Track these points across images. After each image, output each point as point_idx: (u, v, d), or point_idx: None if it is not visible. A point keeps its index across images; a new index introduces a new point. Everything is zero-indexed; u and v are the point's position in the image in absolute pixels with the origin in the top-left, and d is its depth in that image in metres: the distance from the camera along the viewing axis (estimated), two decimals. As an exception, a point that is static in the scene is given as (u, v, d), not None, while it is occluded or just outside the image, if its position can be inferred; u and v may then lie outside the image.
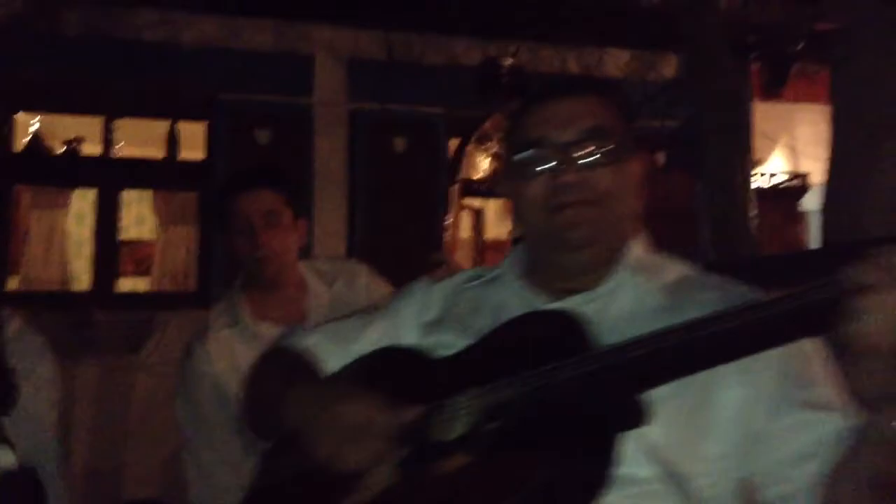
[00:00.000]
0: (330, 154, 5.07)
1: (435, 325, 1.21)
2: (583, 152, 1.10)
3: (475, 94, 4.68)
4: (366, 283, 2.26)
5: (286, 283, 2.16)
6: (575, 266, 1.13)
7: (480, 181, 5.71)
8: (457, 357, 1.13)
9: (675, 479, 0.97)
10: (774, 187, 6.05)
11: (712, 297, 1.05)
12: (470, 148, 5.01)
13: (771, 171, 6.26)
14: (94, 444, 4.39)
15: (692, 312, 0.94)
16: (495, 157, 5.39)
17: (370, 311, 1.31)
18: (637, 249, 1.16)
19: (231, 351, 2.09)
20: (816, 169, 6.18)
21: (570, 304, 1.10)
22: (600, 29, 4.97)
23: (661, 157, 5.44)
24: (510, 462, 0.94)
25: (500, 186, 1.24)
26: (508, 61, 4.71)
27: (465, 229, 6.71)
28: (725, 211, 3.20)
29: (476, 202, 6.64)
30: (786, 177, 6.18)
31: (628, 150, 1.12)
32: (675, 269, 1.15)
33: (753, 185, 6.34)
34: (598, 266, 1.12)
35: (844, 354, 0.82)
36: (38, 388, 1.60)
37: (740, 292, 1.04)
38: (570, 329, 1.02)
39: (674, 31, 3.11)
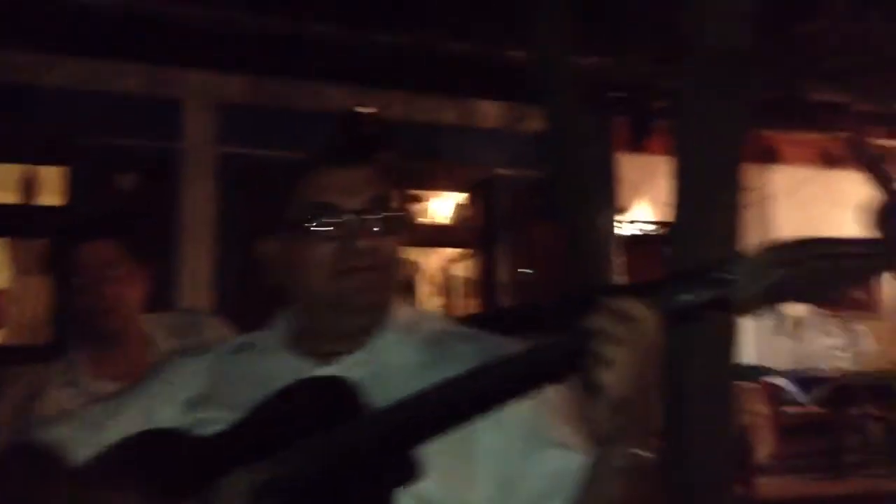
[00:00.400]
0: (198, 200, 4.95)
1: (197, 402, 1.16)
2: (373, 219, 1.13)
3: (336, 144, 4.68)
4: (216, 334, 2.18)
5: (127, 338, 2.06)
6: (353, 329, 1.14)
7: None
8: (224, 434, 1.08)
9: None
10: (639, 234, 6.30)
11: (468, 349, 1.11)
12: None
13: (636, 218, 6.52)
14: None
15: (452, 364, 1.02)
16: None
17: (123, 392, 1.25)
18: (397, 309, 1.19)
19: (63, 412, 1.97)
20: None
21: (340, 368, 1.11)
22: (473, 81, 5.09)
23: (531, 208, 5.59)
24: None
25: (266, 247, 1.19)
26: (368, 111, 4.73)
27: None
28: (583, 259, 3.29)
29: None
30: (650, 224, 6.45)
31: (406, 219, 1.18)
32: (432, 324, 1.20)
33: (620, 232, 6.65)
34: (368, 326, 1.15)
35: (586, 396, 0.89)
36: None
37: (496, 343, 1.11)
38: (342, 394, 1.04)
39: (535, 85, 3.21)
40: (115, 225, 2.07)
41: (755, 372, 6.46)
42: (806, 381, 6.66)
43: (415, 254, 7.19)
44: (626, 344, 0.86)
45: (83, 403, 1.94)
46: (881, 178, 7.06)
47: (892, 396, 6.72)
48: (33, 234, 5.07)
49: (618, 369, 0.87)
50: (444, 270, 7.37)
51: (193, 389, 1.17)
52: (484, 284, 6.01)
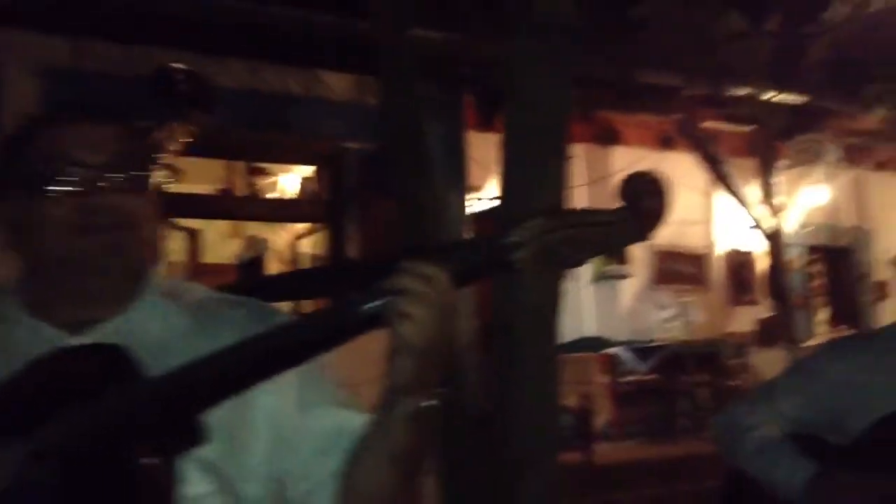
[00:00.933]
0: None
1: None
2: (113, 176, 1.07)
3: (150, 103, 4.41)
4: None
5: None
6: (99, 292, 1.08)
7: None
8: None
9: (227, 490, 1.05)
10: (489, 211, 6.38)
11: (237, 314, 1.13)
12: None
13: (489, 196, 6.60)
14: None
15: (222, 329, 1.06)
16: (168, 168, 5.10)
17: None
18: (158, 275, 1.15)
19: None
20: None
21: (96, 337, 1.06)
22: (321, 51, 4.95)
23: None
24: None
25: None
26: (183, 69, 4.49)
27: (176, 252, 6.34)
28: (426, 236, 3.27)
29: (191, 222, 6.30)
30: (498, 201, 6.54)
31: (150, 179, 1.12)
32: (197, 291, 1.19)
33: (472, 210, 6.70)
34: (122, 292, 1.10)
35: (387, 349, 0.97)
36: None
37: (265, 308, 1.15)
38: (111, 362, 0.99)
39: (378, 58, 3.14)
40: None
41: (595, 344, 6.74)
42: (641, 350, 7.01)
43: (262, 230, 6.99)
44: (424, 300, 0.94)
45: None
46: (710, 159, 7.50)
47: (718, 363, 7.20)
48: None
49: (417, 323, 0.94)
50: (293, 246, 7.21)
51: None
52: (332, 260, 5.92)
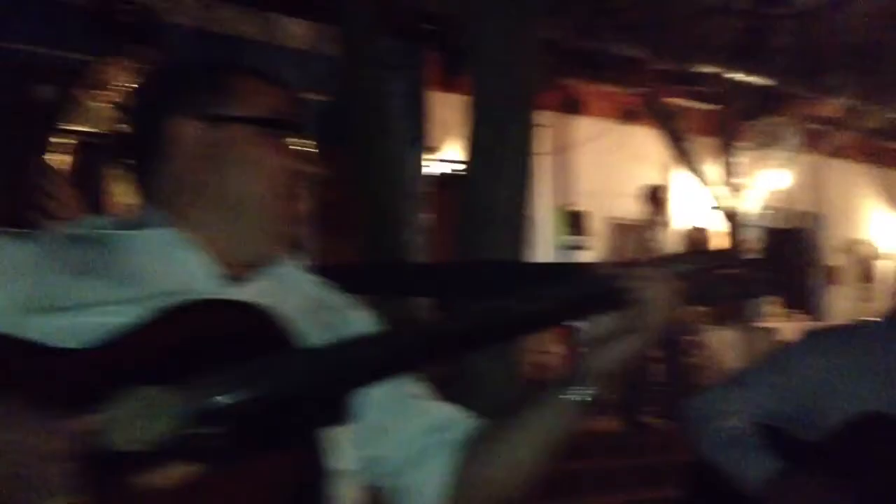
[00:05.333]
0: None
1: (35, 300, 0.93)
2: (309, 141, 1.06)
3: (85, 34, 4.14)
4: None
5: None
6: (262, 253, 1.03)
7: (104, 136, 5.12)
8: (111, 345, 0.90)
9: (373, 465, 1.05)
10: (449, 174, 6.27)
11: (344, 301, 1.11)
12: (81, 96, 4.41)
13: (447, 158, 6.48)
14: None
15: (333, 315, 1.05)
16: (119, 108, 4.84)
17: None
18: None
19: None
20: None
21: (254, 291, 1.00)
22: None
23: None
24: (255, 468, 0.87)
25: (180, 126, 1.01)
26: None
27: (119, 196, 6.09)
28: (379, 191, 3.17)
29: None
30: (460, 164, 6.43)
31: None
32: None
33: (429, 171, 6.58)
34: (275, 257, 1.06)
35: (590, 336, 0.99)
36: None
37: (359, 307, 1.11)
38: (265, 324, 0.93)
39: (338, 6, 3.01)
40: None
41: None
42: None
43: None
44: (662, 290, 0.96)
45: None
46: (672, 135, 7.48)
47: (672, 339, 7.21)
48: None
49: (656, 309, 0.96)
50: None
51: (17, 283, 0.93)
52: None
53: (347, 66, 3.13)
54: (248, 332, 0.93)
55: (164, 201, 1.02)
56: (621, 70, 6.77)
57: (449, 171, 6.35)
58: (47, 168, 4.36)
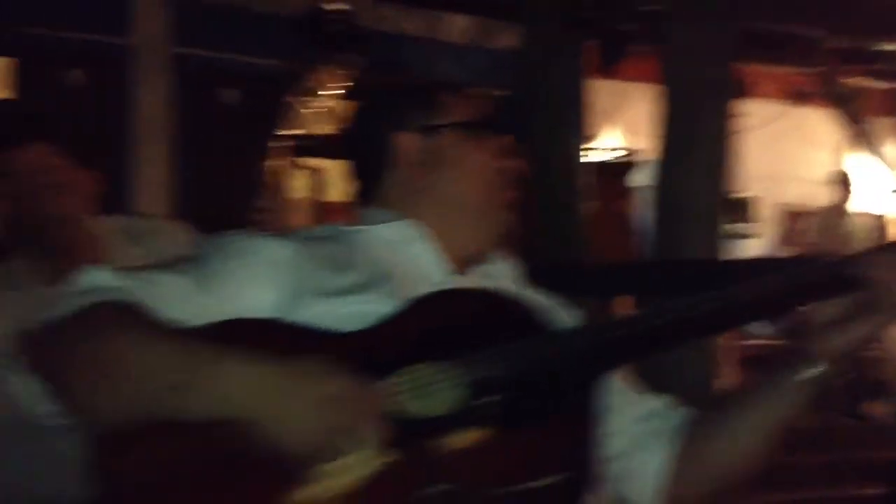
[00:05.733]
0: (151, 102, 4.76)
1: (297, 289, 1.04)
2: (508, 138, 1.16)
3: (301, 44, 4.45)
4: (181, 244, 2.05)
5: (73, 244, 1.94)
6: (483, 245, 1.15)
7: (319, 138, 5.50)
8: (377, 329, 1.00)
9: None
10: (604, 163, 6.23)
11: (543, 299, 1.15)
12: (297, 103, 4.77)
13: (604, 146, 6.44)
14: None
15: (545, 303, 1.11)
16: (329, 113, 5.18)
17: (186, 266, 1.07)
18: None
19: (9, 317, 1.88)
20: (647, 146, 6.41)
21: (481, 276, 1.12)
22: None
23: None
24: (543, 436, 0.96)
25: (405, 138, 1.15)
26: (336, 8, 4.48)
27: (300, 190, 6.51)
28: (552, 185, 3.23)
29: (314, 162, 6.45)
30: (618, 153, 6.37)
31: None
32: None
33: (585, 160, 6.55)
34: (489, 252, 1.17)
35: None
36: None
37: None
38: (522, 308, 1.04)
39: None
40: (41, 126, 1.94)
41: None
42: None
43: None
44: None
45: (29, 308, 1.83)
46: (851, 116, 7.04)
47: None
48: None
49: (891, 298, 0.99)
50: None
51: (285, 275, 1.04)
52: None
53: (530, 59, 3.19)
54: (504, 316, 1.03)
55: (390, 204, 1.14)
56: (793, 50, 6.46)
57: (608, 159, 6.30)
58: (266, 171, 4.79)
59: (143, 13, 4.74)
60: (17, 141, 1.88)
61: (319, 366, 0.91)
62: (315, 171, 6.59)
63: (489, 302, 1.04)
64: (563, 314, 1.14)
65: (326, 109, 4.94)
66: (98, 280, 1.02)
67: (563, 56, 3.98)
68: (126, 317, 0.95)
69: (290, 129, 4.76)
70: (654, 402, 1.15)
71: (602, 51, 5.75)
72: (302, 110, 4.85)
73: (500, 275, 1.15)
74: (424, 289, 1.04)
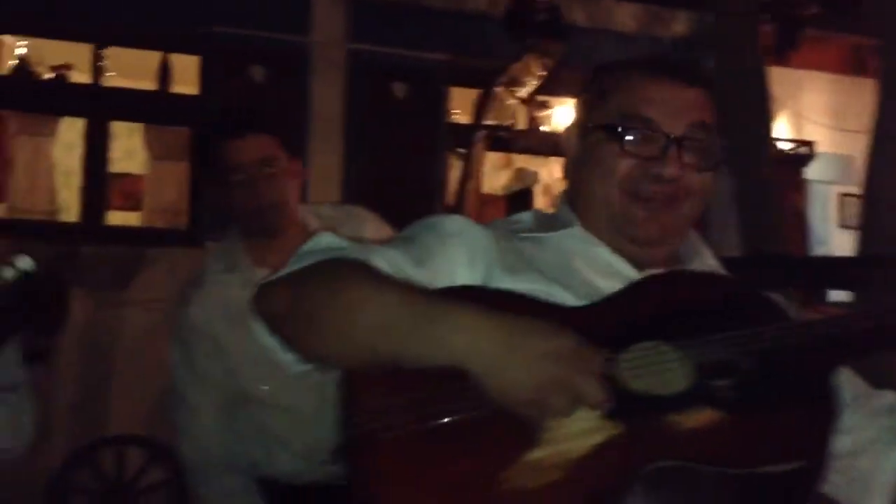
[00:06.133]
0: (326, 96, 4.95)
1: (506, 270, 1.07)
2: (689, 150, 1.06)
3: (506, 33, 4.46)
4: (374, 230, 2.17)
5: (287, 229, 2.08)
6: (649, 257, 1.11)
7: (510, 130, 5.49)
8: (594, 308, 1.02)
9: None
10: (779, 153, 5.98)
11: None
12: (498, 93, 4.79)
13: (777, 137, 6.19)
14: (80, 378, 4.35)
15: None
16: (526, 102, 5.19)
17: (403, 243, 1.11)
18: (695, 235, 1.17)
19: (227, 297, 2.02)
20: (821, 137, 6.10)
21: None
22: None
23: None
24: (777, 423, 0.93)
25: (569, 134, 1.16)
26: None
27: (494, 182, 6.61)
28: (748, 178, 3.12)
29: (512, 155, 6.47)
30: (790, 144, 6.11)
31: (716, 159, 1.09)
32: (708, 259, 1.17)
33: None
34: (657, 260, 1.11)
35: None
36: None
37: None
38: (749, 296, 1.02)
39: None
40: (264, 118, 2.06)
41: None
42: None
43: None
44: None
45: (243, 289, 1.97)
46: None
47: None
48: (169, 121, 5.21)
49: None
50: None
51: (483, 260, 1.08)
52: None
53: (725, 49, 3.10)
54: (730, 302, 1.01)
55: (570, 202, 1.16)
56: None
57: (783, 150, 6.05)
58: (463, 161, 4.89)
59: (323, 12, 4.92)
60: (242, 133, 2.01)
61: (544, 324, 0.92)
62: (511, 164, 6.65)
63: (713, 287, 1.03)
64: (782, 303, 1.10)
65: (524, 101, 4.96)
66: (327, 242, 1.08)
67: (744, 43, 3.85)
68: (355, 269, 0.99)
69: (486, 121, 4.82)
70: (887, 398, 1.09)
71: (776, 37, 5.52)
72: (504, 101, 4.86)
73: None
74: (616, 283, 1.03)
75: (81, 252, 4.38)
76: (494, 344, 0.89)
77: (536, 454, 0.90)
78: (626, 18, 5.29)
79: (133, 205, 6.18)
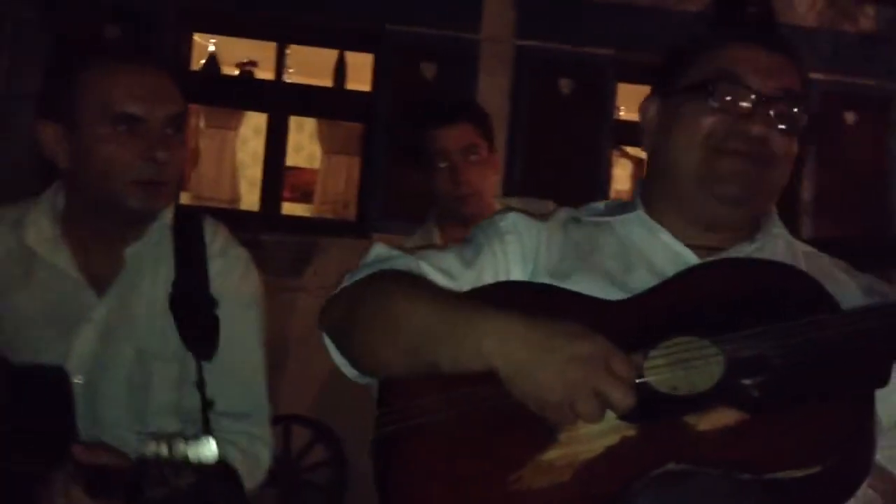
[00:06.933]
0: (493, 92, 5.00)
1: (555, 263, 1.10)
2: (778, 110, 1.05)
3: (712, 23, 4.37)
4: None
5: (482, 218, 2.13)
6: (728, 223, 1.08)
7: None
8: (634, 301, 1.01)
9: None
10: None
11: (849, 280, 1.07)
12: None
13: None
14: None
15: (835, 290, 0.97)
16: None
17: (465, 245, 1.18)
18: (775, 216, 1.13)
19: None
20: None
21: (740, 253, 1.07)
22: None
23: (850, 117, 5.04)
24: (807, 423, 0.88)
25: (648, 105, 1.15)
26: None
27: (621, 180, 6.49)
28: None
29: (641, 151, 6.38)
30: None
31: (802, 122, 1.08)
32: (798, 241, 1.15)
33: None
34: (748, 225, 1.09)
35: None
36: (244, 311, 1.61)
37: (870, 280, 1.08)
38: (802, 287, 0.97)
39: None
40: (471, 109, 2.13)
41: None
42: None
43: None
44: None
45: None
46: None
47: None
48: (344, 116, 5.43)
49: None
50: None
51: (536, 261, 1.12)
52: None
53: None
54: (771, 291, 0.96)
55: (643, 187, 1.15)
56: None
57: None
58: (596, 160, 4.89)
59: (492, 9, 4.98)
60: (448, 120, 2.08)
61: (573, 327, 0.92)
62: (637, 160, 6.53)
63: (765, 275, 0.98)
64: (854, 289, 1.04)
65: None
66: (380, 253, 1.15)
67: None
68: (401, 280, 1.06)
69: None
70: None
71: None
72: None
73: (770, 251, 1.07)
74: (674, 268, 1.02)
75: (260, 240, 4.65)
76: (524, 348, 0.92)
77: (551, 454, 0.91)
78: (807, 11, 5.02)
79: (303, 196, 6.49)
